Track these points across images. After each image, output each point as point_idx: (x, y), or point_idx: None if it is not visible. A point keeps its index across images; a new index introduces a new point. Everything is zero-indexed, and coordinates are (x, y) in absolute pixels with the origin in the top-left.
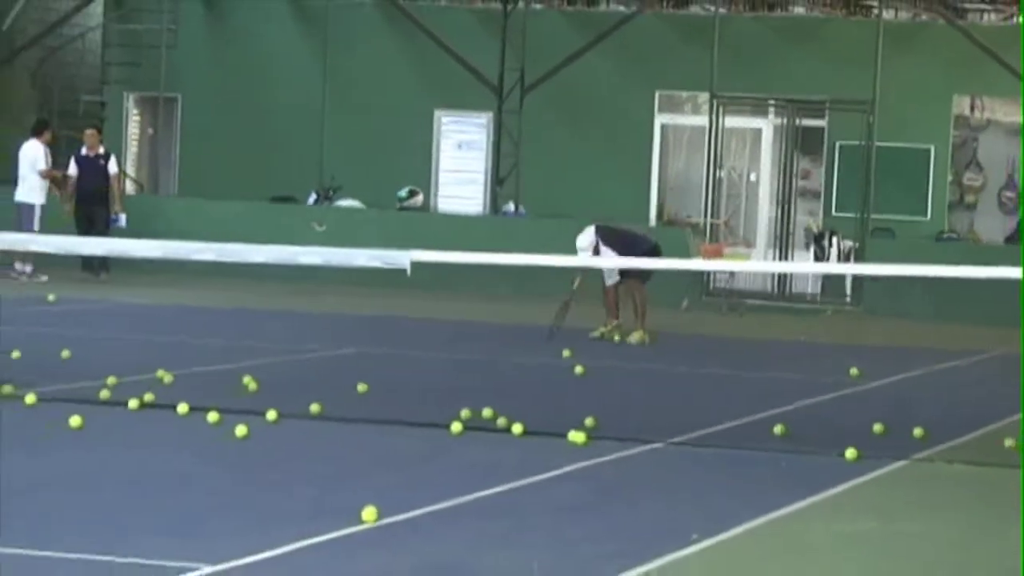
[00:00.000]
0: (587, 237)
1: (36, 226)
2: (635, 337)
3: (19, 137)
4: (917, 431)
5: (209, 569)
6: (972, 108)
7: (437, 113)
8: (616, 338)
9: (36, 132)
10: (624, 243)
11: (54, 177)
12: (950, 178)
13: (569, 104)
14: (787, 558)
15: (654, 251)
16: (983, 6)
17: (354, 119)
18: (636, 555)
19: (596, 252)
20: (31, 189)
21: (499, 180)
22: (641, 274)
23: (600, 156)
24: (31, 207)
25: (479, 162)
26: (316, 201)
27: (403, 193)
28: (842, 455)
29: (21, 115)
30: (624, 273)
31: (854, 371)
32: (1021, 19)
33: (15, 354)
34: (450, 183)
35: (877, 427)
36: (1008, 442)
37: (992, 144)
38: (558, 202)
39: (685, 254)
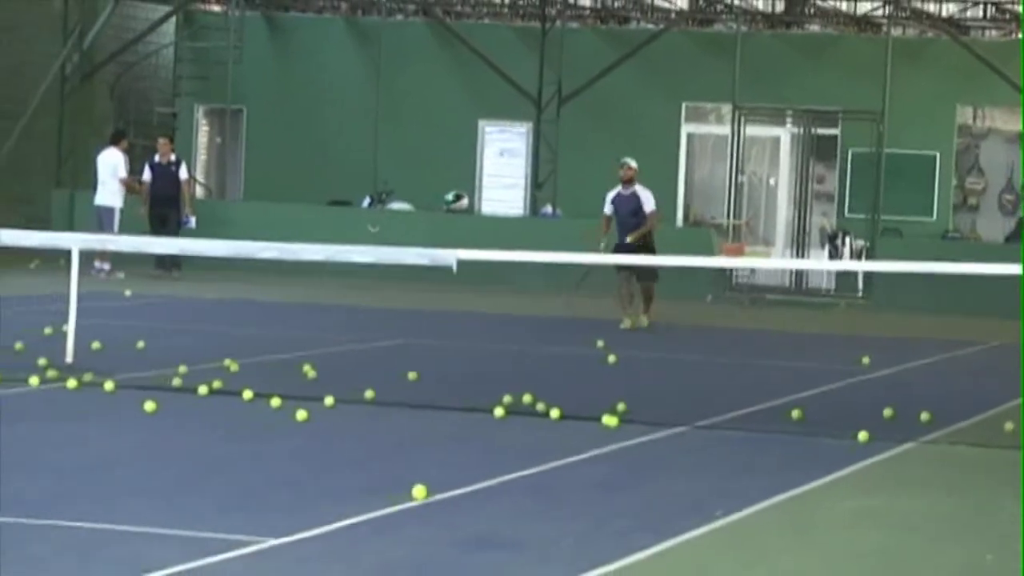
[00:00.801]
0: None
1: (115, 227)
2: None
3: (99, 145)
4: (924, 415)
5: (274, 541)
6: (974, 117)
7: (481, 123)
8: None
9: (114, 141)
10: None
11: (133, 185)
12: (954, 182)
13: (602, 114)
14: (804, 533)
15: None
16: (984, 23)
17: (405, 129)
18: (663, 530)
19: None
20: (110, 193)
21: (538, 184)
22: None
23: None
24: (110, 210)
25: (519, 168)
26: (370, 204)
27: (449, 197)
28: (854, 437)
29: (100, 125)
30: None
31: (865, 360)
32: (1021, 35)
33: (95, 345)
34: (493, 187)
35: (887, 411)
36: (1008, 425)
37: (993, 151)
38: (592, 204)
39: (709, 252)
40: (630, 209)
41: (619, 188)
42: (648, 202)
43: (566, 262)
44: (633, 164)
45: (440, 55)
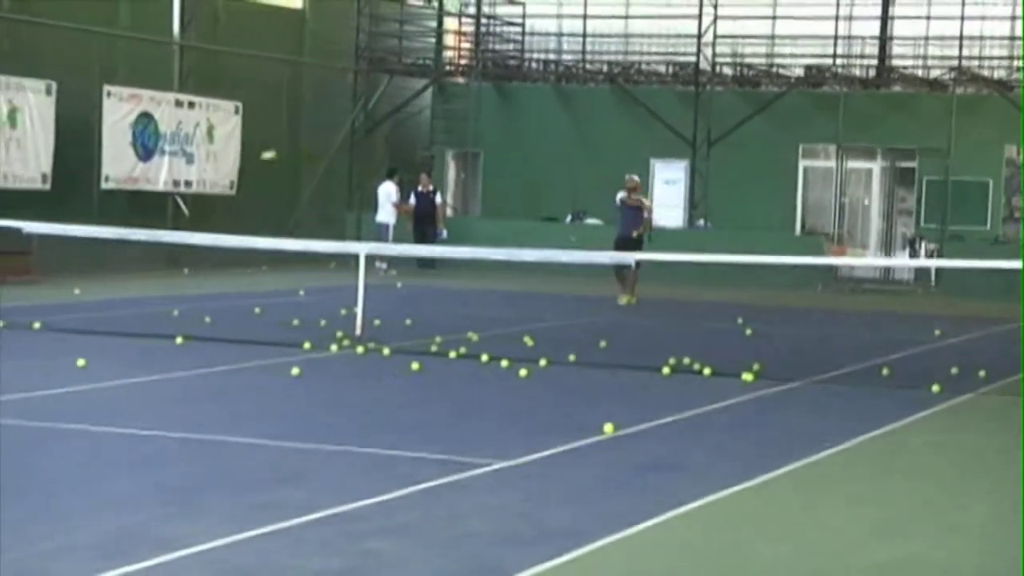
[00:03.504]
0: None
1: (389, 238)
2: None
3: (378, 180)
4: (980, 373)
5: (499, 465)
6: (1017, 152)
7: (652, 160)
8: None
9: (389, 176)
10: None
11: (402, 208)
12: (1002, 201)
13: (740, 153)
14: (892, 459)
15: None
16: None
17: (596, 165)
18: (786, 457)
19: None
20: (386, 214)
21: (693, 204)
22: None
23: (762, 188)
24: (386, 226)
25: (679, 193)
26: (571, 220)
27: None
28: (929, 389)
29: (379, 165)
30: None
31: (937, 332)
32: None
33: (376, 322)
34: (660, 207)
35: (953, 370)
36: None
37: None
38: (734, 219)
39: (820, 253)
40: (633, 212)
41: (623, 194)
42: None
43: (714, 261)
44: (636, 178)
45: (621, 111)
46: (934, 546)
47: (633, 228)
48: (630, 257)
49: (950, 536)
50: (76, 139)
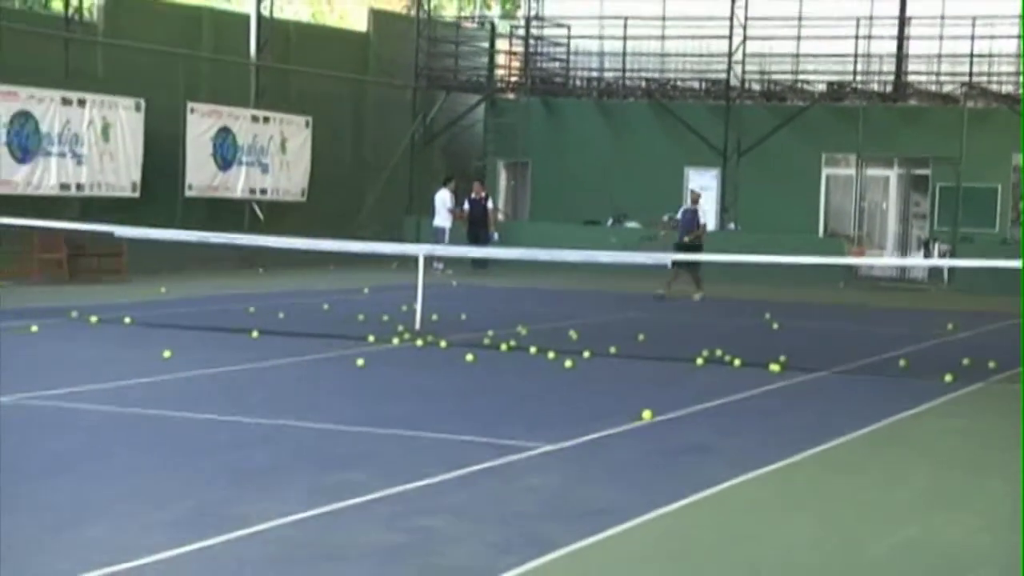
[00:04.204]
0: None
1: (446, 241)
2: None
3: (435, 187)
4: (991, 363)
5: (546, 448)
6: (1023, 161)
7: (686, 168)
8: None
9: (445, 183)
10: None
11: (457, 214)
12: (1010, 205)
13: (767, 162)
14: (909, 443)
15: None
16: None
17: (634, 172)
18: (810, 441)
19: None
20: (443, 219)
21: (724, 208)
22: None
23: (787, 194)
24: (443, 230)
25: (712, 198)
26: (611, 223)
27: (665, 218)
28: (943, 379)
29: (436, 174)
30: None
31: (950, 326)
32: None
33: (434, 317)
34: None
35: (965, 361)
36: None
37: None
38: (761, 222)
39: (841, 254)
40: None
41: (688, 204)
42: (702, 218)
43: (742, 261)
44: (696, 190)
45: (658, 123)
46: (950, 524)
47: (686, 234)
48: (671, 257)
49: (965, 515)
50: (162, 151)
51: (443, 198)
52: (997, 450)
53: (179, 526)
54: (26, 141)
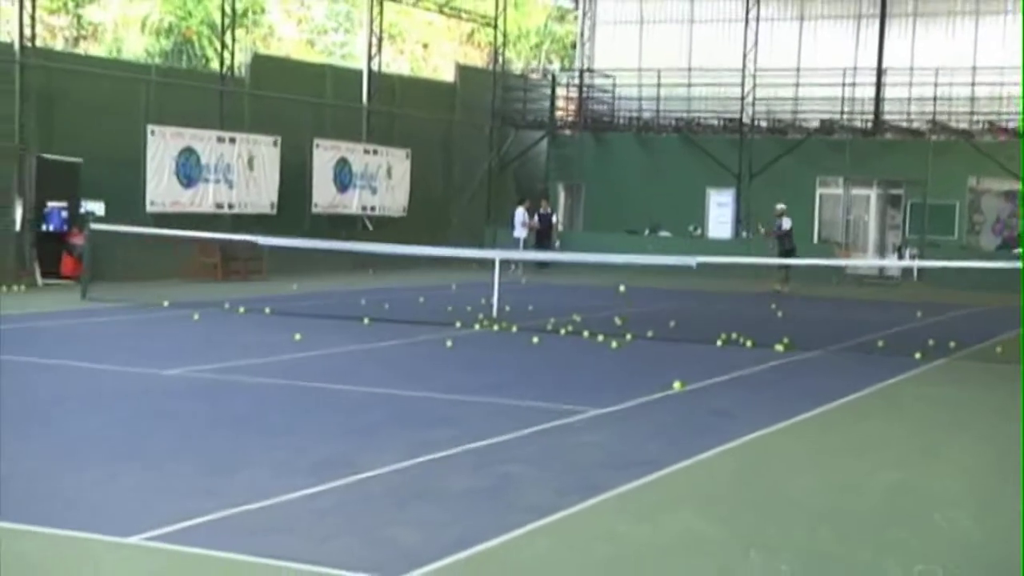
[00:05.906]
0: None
1: (520, 248)
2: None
3: (508, 205)
4: (952, 344)
5: (596, 412)
6: (977, 183)
7: (707, 188)
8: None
9: (519, 202)
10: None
11: (531, 225)
12: (967, 217)
13: (774, 183)
14: (889, 408)
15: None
16: (983, 131)
17: (667, 191)
18: (808, 405)
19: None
20: (520, 231)
21: (739, 221)
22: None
23: (789, 208)
24: (519, 239)
25: (728, 212)
26: (648, 233)
27: (691, 228)
28: (913, 355)
29: (509, 194)
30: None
31: (919, 314)
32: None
33: (507, 307)
34: (714, 223)
35: (931, 342)
36: (998, 349)
37: (988, 201)
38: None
39: (831, 256)
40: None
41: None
42: (785, 224)
43: (753, 263)
44: (781, 207)
45: (685, 152)
46: (925, 473)
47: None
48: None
49: (942, 463)
50: (294, 177)
51: (520, 215)
52: (964, 411)
53: (314, 471)
54: (190, 171)
